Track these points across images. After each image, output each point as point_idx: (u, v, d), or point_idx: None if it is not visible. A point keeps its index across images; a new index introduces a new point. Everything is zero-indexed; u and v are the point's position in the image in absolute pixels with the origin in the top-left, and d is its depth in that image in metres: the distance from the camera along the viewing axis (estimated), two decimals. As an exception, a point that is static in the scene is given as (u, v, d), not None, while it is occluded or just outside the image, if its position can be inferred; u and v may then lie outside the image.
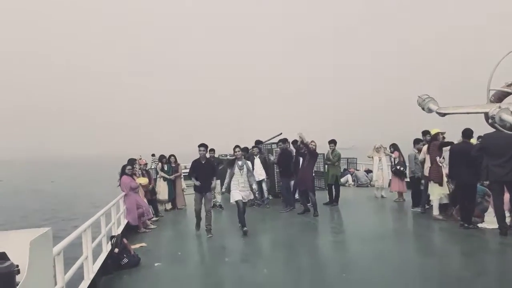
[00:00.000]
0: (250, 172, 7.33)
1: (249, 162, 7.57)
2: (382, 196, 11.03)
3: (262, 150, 11.21)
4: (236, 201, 7.07)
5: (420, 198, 8.70)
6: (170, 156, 10.67)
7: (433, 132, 8.16)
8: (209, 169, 7.28)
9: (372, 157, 11.32)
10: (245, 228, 6.94)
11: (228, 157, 11.23)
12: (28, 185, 34.47)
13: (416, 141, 8.97)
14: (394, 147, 10.28)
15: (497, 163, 6.23)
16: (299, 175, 9.01)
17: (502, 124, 2.51)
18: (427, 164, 7.98)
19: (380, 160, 11.09)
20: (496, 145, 6.24)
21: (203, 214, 7.24)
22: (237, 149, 7.36)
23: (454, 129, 7.84)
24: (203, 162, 7.24)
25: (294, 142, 10.03)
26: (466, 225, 6.88)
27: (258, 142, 11.14)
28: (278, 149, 10.44)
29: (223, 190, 7.56)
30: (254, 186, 7.43)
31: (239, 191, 7.13)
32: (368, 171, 15.22)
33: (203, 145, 7.23)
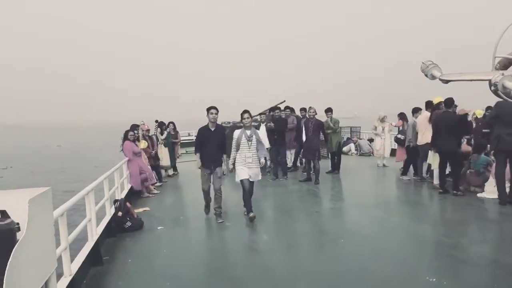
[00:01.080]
0: (260, 145, 5.98)
1: (259, 132, 6.15)
2: (384, 165, 11.14)
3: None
4: (242, 181, 5.80)
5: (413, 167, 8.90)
6: (169, 123, 10.69)
7: (435, 100, 8.08)
8: (219, 138, 5.95)
9: (376, 127, 11.31)
10: (251, 214, 5.73)
11: (231, 124, 11.06)
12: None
13: (415, 110, 8.90)
14: (401, 116, 10.16)
15: (510, 132, 6.20)
16: (305, 144, 8.96)
17: (504, 92, 2.47)
18: (422, 133, 8.11)
19: (383, 130, 11.09)
20: (509, 114, 6.20)
21: (212, 193, 6.16)
22: (246, 115, 5.93)
23: (461, 98, 7.81)
24: (212, 130, 5.90)
25: (302, 109, 10.01)
26: (454, 192, 7.08)
27: (273, 109, 10.72)
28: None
29: (230, 166, 6.05)
30: (262, 160, 5.99)
31: (247, 168, 5.85)
32: (371, 140, 15.23)
33: (214, 108, 5.86)
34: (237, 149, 5.88)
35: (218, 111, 5.86)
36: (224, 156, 6.20)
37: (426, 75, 3.07)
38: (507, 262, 4.02)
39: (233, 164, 5.95)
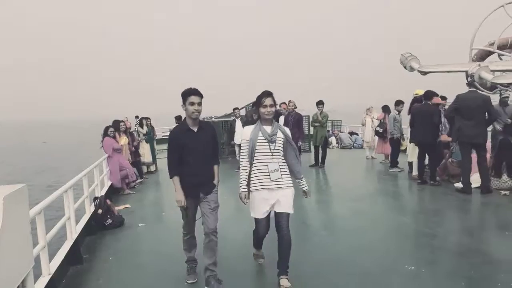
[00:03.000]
0: (291, 149, 3.50)
1: (286, 128, 3.54)
2: (372, 157, 11.33)
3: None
4: (257, 220, 3.48)
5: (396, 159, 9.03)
6: (142, 118, 10.55)
7: (415, 93, 8.21)
8: (208, 144, 3.54)
9: (365, 119, 11.52)
10: (260, 261, 3.96)
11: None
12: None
13: (397, 103, 9.08)
14: (383, 108, 10.34)
15: (468, 124, 6.38)
16: None
17: (481, 82, 2.51)
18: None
19: (372, 121, 11.31)
20: (468, 106, 6.37)
21: (199, 238, 3.75)
22: (268, 101, 3.34)
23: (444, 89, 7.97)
24: (195, 130, 3.43)
25: (283, 103, 10.07)
26: (431, 182, 7.36)
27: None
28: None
29: (242, 190, 3.37)
30: (304, 185, 3.64)
31: (268, 193, 3.35)
32: (352, 133, 15.45)
33: (196, 94, 3.33)
34: (251, 159, 3.38)
35: (201, 98, 3.37)
36: (215, 167, 3.64)
37: (405, 67, 3.11)
38: (482, 250, 4.15)
39: (246, 185, 3.39)
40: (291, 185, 3.43)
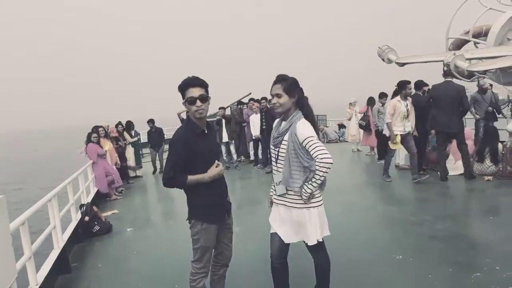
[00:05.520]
0: (304, 156, 2.45)
1: (303, 128, 2.44)
2: (358, 150, 11.44)
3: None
4: (272, 235, 2.76)
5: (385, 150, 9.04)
6: (129, 122, 10.36)
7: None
8: (216, 147, 3.10)
9: (349, 113, 11.59)
10: None
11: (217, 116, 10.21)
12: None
13: (381, 95, 9.15)
14: (368, 101, 10.31)
15: (442, 114, 6.50)
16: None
17: (457, 71, 2.55)
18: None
19: (356, 115, 11.38)
20: (443, 96, 6.47)
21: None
22: (277, 88, 2.51)
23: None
24: (206, 132, 2.59)
25: (263, 99, 10.02)
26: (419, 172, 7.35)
27: (240, 102, 10.70)
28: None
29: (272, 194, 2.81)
30: (305, 194, 2.48)
31: (284, 209, 2.64)
32: (341, 126, 15.52)
33: (195, 84, 2.45)
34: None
35: (206, 88, 2.51)
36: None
37: (383, 59, 3.14)
38: (468, 235, 4.24)
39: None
40: (298, 204, 2.53)
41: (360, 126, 10.44)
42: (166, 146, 9.97)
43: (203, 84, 2.48)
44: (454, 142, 6.96)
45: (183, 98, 2.48)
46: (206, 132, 2.59)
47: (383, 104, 9.01)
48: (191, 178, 2.46)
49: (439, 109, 6.57)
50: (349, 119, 11.64)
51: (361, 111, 10.70)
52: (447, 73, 5.50)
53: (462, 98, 6.39)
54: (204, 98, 2.46)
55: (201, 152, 2.51)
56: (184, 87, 2.46)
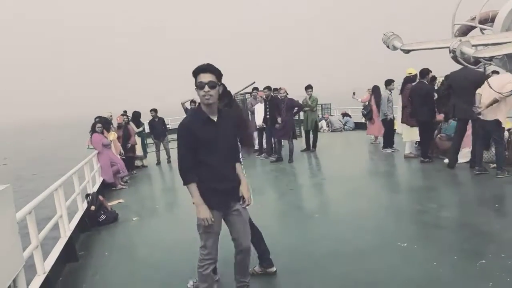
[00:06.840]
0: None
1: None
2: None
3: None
4: None
5: (392, 139, 9.01)
6: (136, 112, 10.38)
7: (408, 72, 8.12)
8: (230, 137, 2.71)
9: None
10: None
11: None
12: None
13: (388, 82, 9.02)
14: (373, 89, 9.99)
15: (463, 100, 6.40)
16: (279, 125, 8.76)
17: (463, 57, 2.51)
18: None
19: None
20: (461, 83, 6.39)
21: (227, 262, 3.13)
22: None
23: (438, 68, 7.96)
24: (215, 120, 2.60)
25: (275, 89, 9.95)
26: (422, 159, 7.45)
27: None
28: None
29: None
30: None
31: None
32: (345, 115, 15.39)
33: (205, 70, 2.48)
34: None
35: (218, 76, 2.54)
36: (238, 165, 2.83)
37: (388, 46, 3.09)
38: (473, 223, 4.21)
39: None
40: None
41: (362, 115, 10.39)
42: (170, 136, 9.98)
43: (214, 72, 2.51)
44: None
45: (199, 84, 2.49)
46: (215, 120, 2.59)
47: (391, 92, 8.88)
48: (192, 186, 2.56)
49: (458, 96, 6.49)
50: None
51: (363, 100, 10.63)
52: (455, 60, 5.29)
53: (481, 83, 6.27)
54: (213, 85, 2.47)
55: (204, 139, 2.54)
56: (196, 72, 2.50)
